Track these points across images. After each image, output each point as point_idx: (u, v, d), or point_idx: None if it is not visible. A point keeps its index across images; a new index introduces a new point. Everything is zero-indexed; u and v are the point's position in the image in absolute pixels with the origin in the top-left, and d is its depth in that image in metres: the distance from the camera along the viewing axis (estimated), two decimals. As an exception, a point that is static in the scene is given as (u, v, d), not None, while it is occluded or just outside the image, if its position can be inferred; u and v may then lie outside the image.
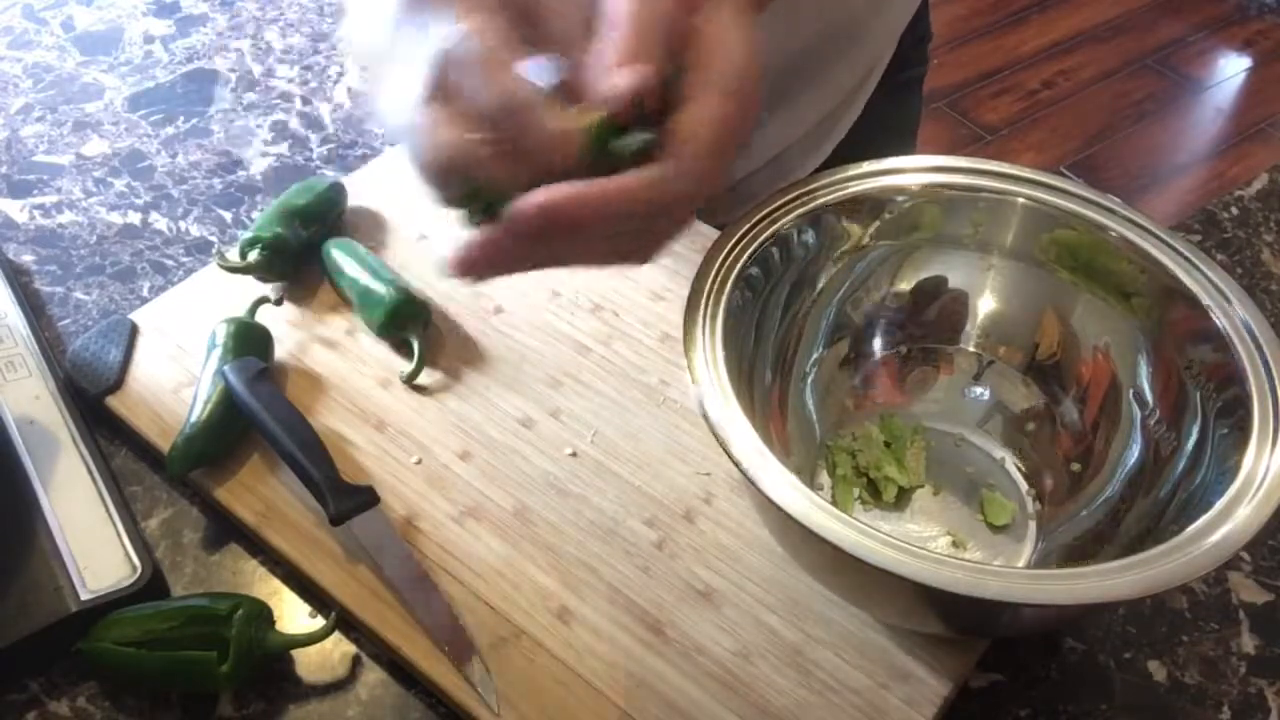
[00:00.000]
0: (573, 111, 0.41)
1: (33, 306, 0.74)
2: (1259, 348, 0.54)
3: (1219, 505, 0.49)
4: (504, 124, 0.40)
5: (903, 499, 0.63)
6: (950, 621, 0.55)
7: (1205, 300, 0.57)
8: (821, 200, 0.62)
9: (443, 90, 0.41)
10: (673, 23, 0.42)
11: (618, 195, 0.40)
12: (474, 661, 0.56)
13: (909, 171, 0.64)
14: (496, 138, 0.40)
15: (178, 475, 0.64)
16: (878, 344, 0.67)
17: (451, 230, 0.43)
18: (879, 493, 0.63)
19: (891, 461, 0.63)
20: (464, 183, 0.42)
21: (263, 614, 0.56)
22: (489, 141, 0.41)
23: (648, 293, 0.74)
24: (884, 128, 0.92)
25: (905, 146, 0.98)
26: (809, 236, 0.62)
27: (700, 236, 0.77)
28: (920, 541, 0.61)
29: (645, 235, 0.44)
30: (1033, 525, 0.62)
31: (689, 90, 0.41)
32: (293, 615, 0.60)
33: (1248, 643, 0.59)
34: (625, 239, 0.43)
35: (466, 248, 0.42)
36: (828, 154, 0.90)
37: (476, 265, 0.42)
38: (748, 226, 0.60)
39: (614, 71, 0.40)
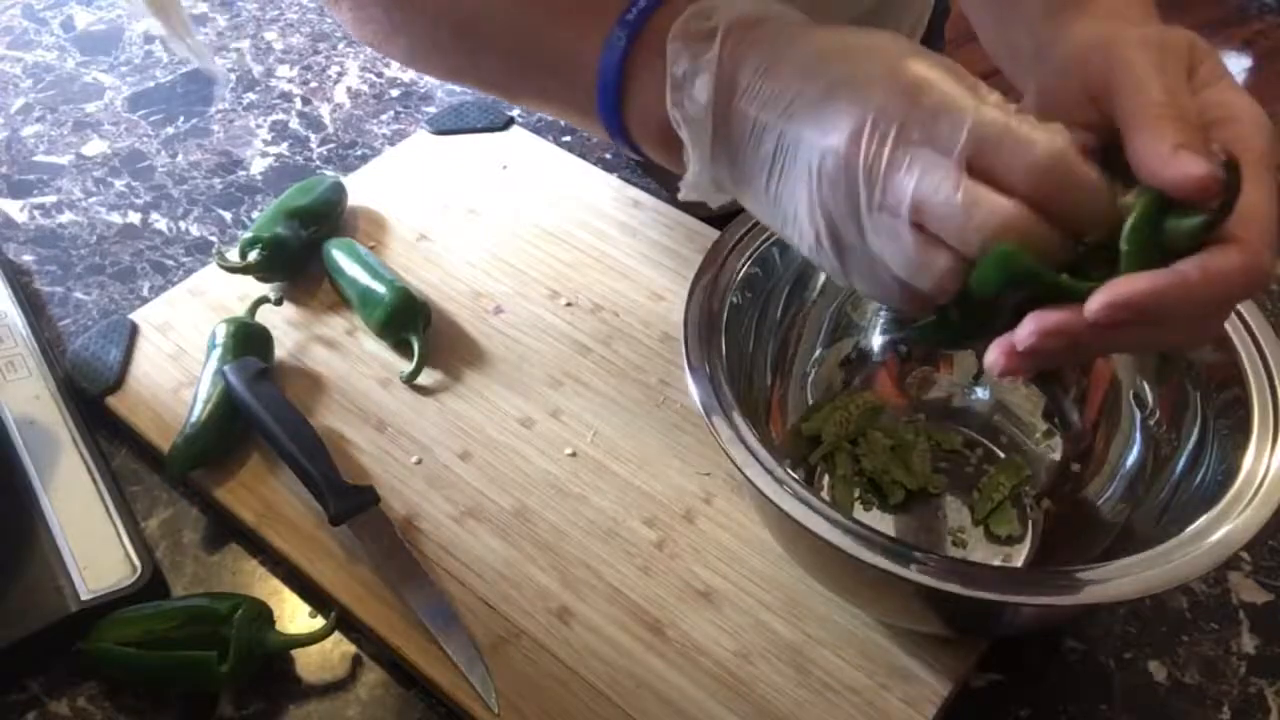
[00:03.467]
0: (1118, 189, 0.40)
1: (33, 306, 0.74)
2: (1259, 348, 0.55)
3: (1219, 505, 0.49)
4: (1049, 187, 0.39)
5: (904, 499, 0.63)
6: (950, 621, 0.55)
7: (1205, 300, 0.57)
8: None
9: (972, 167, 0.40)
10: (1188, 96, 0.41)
11: (1203, 285, 0.38)
12: (474, 661, 0.56)
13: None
14: (1044, 199, 0.39)
15: (178, 475, 0.64)
16: (878, 344, 0.67)
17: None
18: (880, 493, 0.63)
19: (899, 465, 0.63)
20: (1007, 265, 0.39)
21: (263, 614, 0.56)
22: (1037, 204, 0.39)
23: (648, 293, 0.74)
24: None
25: None
26: (809, 236, 0.62)
27: (700, 236, 0.77)
28: (920, 542, 0.61)
29: (1202, 323, 0.42)
30: (1033, 525, 0.62)
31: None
32: (293, 615, 0.60)
33: (1248, 643, 0.59)
34: (1182, 327, 0.41)
35: (1033, 338, 0.40)
36: None
37: (1041, 357, 0.40)
38: (748, 227, 0.60)
39: (1178, 158, 0.39)
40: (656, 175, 0.84)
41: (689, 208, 0.79)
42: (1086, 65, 0.44)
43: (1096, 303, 0.38)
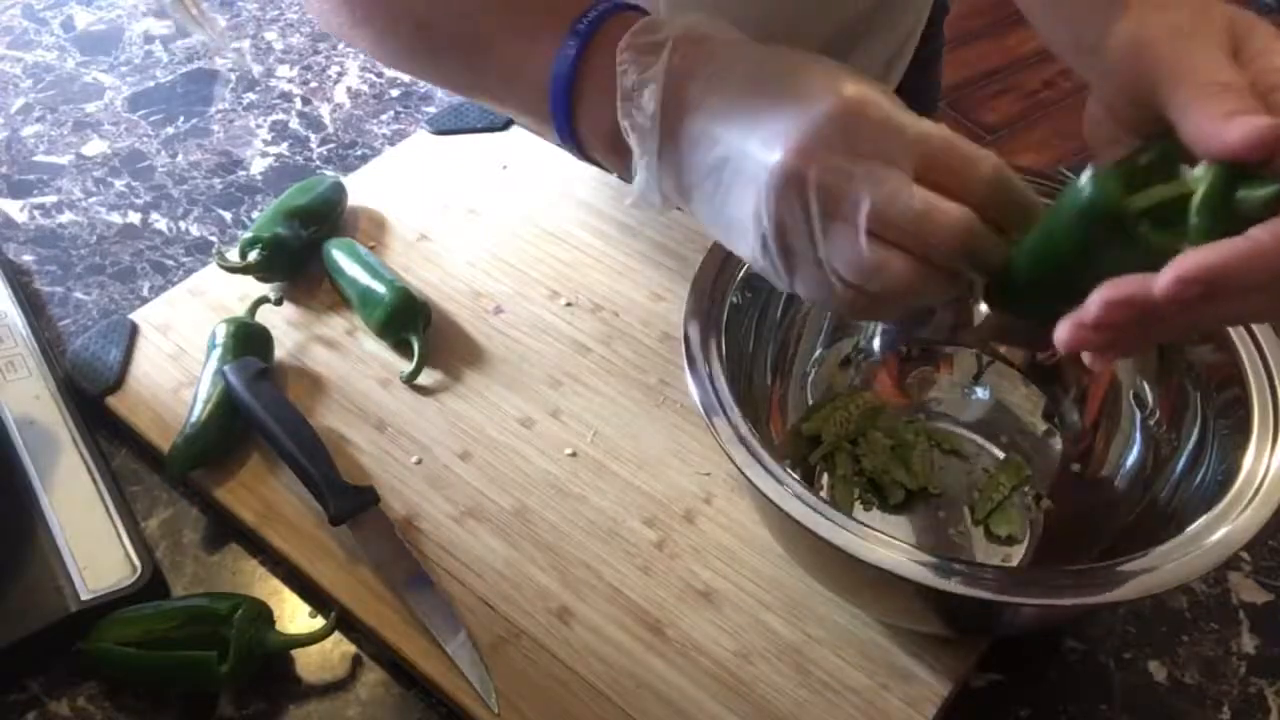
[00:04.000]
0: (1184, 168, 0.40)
1: (33, 306, 0.74)
2: (1259, 348, 0.55)
3: (1219, 505, 0.49)
4: (995, 198, 0.42)
5: (904, 499, 0.63)
6: (950, 621, 0.55)
7: (1205, 300, 0.57)
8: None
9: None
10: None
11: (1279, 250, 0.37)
12: (474, 661, 0.56)
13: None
14: (990, 209, 0.41)
15: (178, 475, 0.64)
16: (878, 344, 0.67)
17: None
18: (880, 493, 0.63)
19: (899, 465, 0.63)
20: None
21: (262, 614, 0.56)
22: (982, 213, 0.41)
23: (648, 293, 0.74)
24: (912, 101, 0.94)
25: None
26: (809, 236, 0.62)
27: (700, 236, 0.77)
28: (920, 542, 0.61)
29: None
30: (1033, 525, 0.62)
31: None
32: (293, 615, 0.60)
33: (1248, 643, 0.59)
34: (1263, 299, 0.39)
35: (1101, 309, 0.38)
36: None
37: (1112, 332, 0.39)
38: (748, 226, 0.60)
39: (1234, 122, 0.38)
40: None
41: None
42: (1126, 70, 0.44)
43: (1166, 278, 0.37)
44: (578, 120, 0.49)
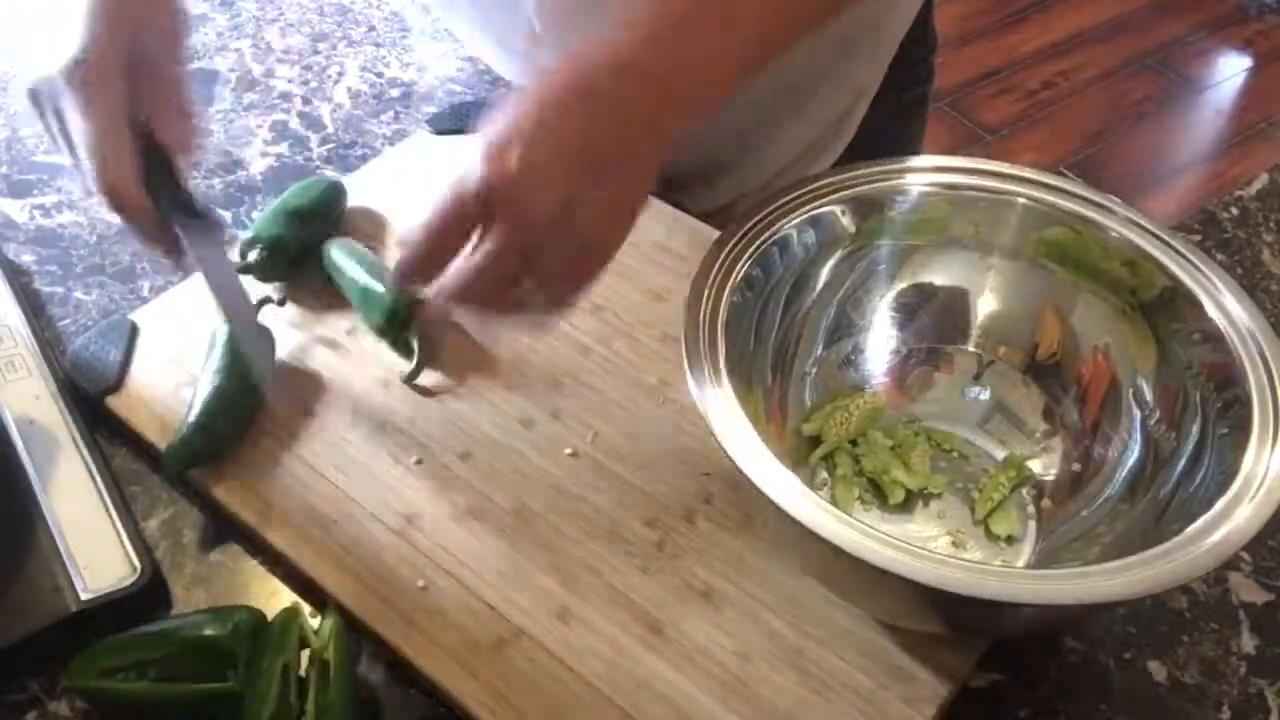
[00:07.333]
0: None
1: (33, 306, 0.74)
2: (1259, 348, 0.55)
3: (1219, 505, 0.49)
4: None
5: (904, 499, 0.63)
6: (950, 621, 0.55)
7: (1205, 300, 0.57)
8: (822, 200, 0.62)
9: None
10: None
11: None
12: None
13: (909, 171, 0.64)
14: None
15: (174, 473, 0.64)
16: (878, 344, 0.67)
17: None
18: (880, 493, 0.63)
19: (899, 465, 0.63)
20: None
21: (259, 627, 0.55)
22: None
23: (648, 293, 0.74)
24: (887, 146, 0.91)
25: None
26: (809, 236, 0.62)
27: (700, 236, 0.77)
28: (920, 542, 0.61)
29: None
30: (1033, 525, 0.62)
31: None
32: (293, 615, 0.60)
33: (1248, 643, 0.59)
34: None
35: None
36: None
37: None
38: (748, 226, 0.60)
39: None
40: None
41: (689, 207, 0.79)
42: None
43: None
44: None
